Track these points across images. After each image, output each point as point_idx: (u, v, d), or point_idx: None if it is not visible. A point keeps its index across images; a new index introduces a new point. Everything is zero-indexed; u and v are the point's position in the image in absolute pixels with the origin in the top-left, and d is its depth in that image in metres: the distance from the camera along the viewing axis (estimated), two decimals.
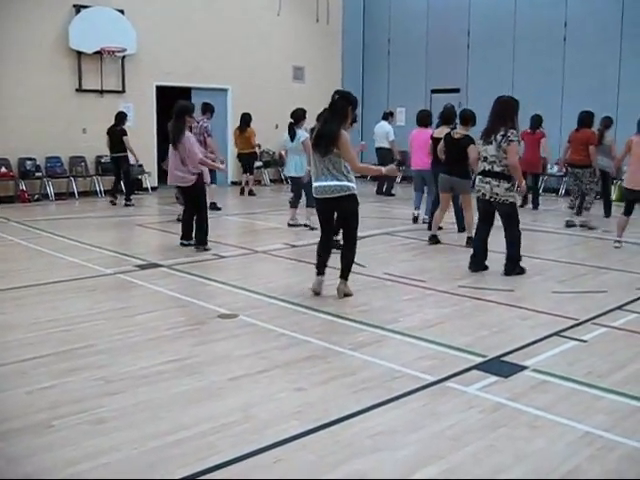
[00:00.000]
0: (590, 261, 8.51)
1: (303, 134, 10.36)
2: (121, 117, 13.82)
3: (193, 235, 9.24)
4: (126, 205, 13.70)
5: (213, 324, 5.75)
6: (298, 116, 10.58)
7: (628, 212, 9.25)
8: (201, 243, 9.09)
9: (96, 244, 9.40)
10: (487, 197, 7.61)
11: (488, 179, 7.58)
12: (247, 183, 15.92)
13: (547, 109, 14.34)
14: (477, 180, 7.80)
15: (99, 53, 15.14)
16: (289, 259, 8.59)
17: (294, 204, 11.06)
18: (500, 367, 4.76)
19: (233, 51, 17.53)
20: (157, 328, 5.61)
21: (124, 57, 15.62)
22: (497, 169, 7.52)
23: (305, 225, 10.76)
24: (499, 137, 7.47)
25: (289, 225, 11.03)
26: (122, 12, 15.43)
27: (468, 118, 9.29)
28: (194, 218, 9.18)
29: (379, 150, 15.55)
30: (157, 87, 16.37)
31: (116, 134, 13.65)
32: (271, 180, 18.67)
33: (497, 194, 7.54)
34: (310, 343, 5.24)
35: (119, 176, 14.16)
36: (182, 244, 9.30)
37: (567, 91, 15.66)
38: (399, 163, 7.97)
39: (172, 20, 16.36)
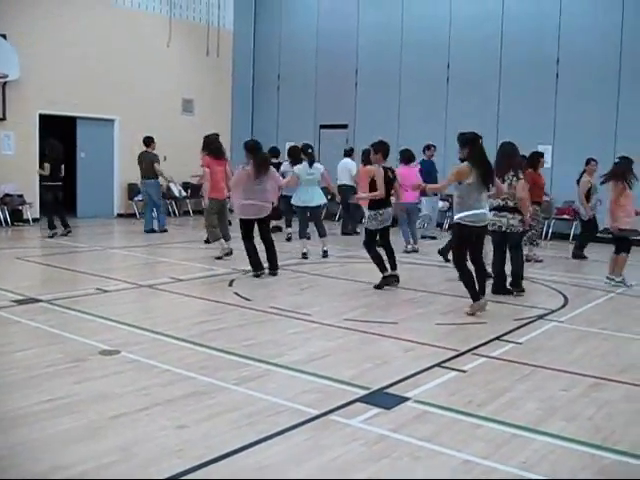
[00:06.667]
0: None
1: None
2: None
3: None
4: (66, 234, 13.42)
5: (94, 361, 5.56)
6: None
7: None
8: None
9: None
10: (503, 229, 8.66)
11: (504, 213, 8.62)
12: None
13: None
14: (492, 214, 8.48)
15: None
16: (175, 293, 8.44)
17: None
18: (383, 399, 4.82)
19: (121, 81, 17.24)
20: (35, 366, 5.37)
21: (5, 83, 15.07)
22: (510, 204, 8.62)
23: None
24: (509, 176, 8.60)
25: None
26: (4, 37, 14.90)
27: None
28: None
29: (342, 187, 14.59)
30: (41, 115, 15.86)
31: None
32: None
33: (513, 225, 8.65)
34: (194, 379, 5.15)
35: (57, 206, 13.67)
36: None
37: (449, 129, 16.28)
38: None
39: (58, 47, 15.92)
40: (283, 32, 19.89)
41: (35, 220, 15.71)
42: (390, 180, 8.98)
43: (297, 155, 12.28)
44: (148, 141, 14.51)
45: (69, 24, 16.19)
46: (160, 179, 14.70)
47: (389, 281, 8.98)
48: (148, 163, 14.36)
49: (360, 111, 18.32)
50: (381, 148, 9.01)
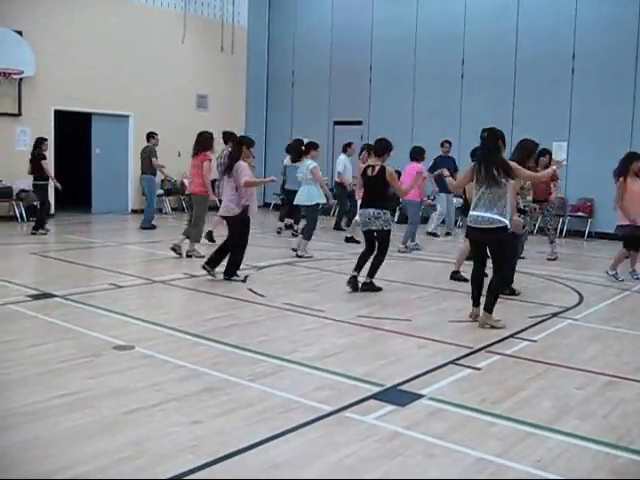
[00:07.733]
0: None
1: (312, 163, 10.86)
2: (38, 142, 13.42)
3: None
4: (32, 234, 13.13)
5: (108, 356, 5.59)
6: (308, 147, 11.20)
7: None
8: (228, 274, 8.93)
9: None
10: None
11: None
12: None
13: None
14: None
15: None
16: (188, 289, 8.47)
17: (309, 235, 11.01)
18: (397, 396, 4.81)
19: (136, 77, 17.31)
20: (49, 361, 5.40)
21: (21, 79, 15.15)
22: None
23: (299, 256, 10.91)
24: None
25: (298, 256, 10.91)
26: (20, 33, 14.98)
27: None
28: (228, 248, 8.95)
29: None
30: (56, 111, 15.94)
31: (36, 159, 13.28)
32: (172, 209, 18.48)
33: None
34: (208, 375, 5.16)
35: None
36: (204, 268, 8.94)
37: (464, 125, 16.24)
38: None
39: (73, 44, 16.02)
40: (297, 28, 19.89)
41: (51, 216, 15.76)
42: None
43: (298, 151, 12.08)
44: (148, 136, 14.64)
45: (84, 21, 16.26)
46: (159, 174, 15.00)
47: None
48: (146, 158, 14.44)
49: (374, 107, 18.29)
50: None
